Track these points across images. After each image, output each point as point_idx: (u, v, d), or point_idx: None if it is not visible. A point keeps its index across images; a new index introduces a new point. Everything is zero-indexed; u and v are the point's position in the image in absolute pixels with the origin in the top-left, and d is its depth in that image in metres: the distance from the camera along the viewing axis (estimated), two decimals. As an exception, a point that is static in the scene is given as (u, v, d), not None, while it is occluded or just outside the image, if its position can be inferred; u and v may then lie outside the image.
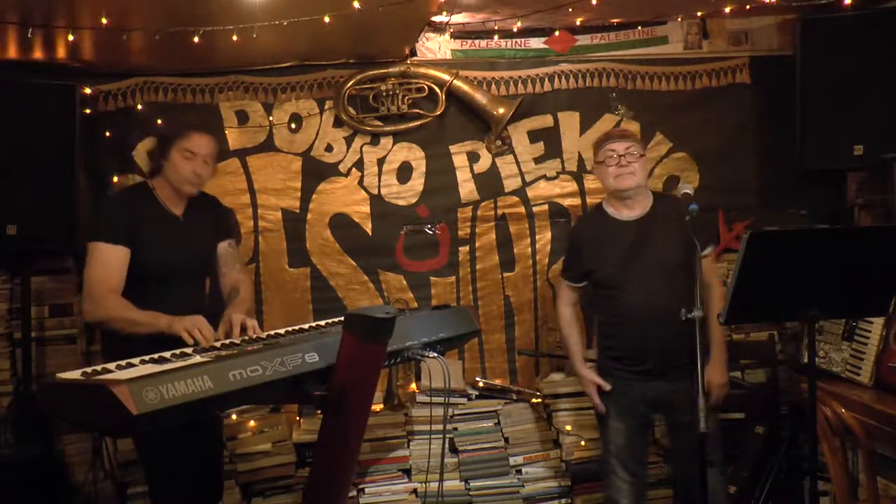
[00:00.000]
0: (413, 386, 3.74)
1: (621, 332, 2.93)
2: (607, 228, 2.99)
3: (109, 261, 2.67)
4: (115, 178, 3.75)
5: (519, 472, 3.62)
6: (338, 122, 3.89)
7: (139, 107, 3.76)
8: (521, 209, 3.98)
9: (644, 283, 2.84)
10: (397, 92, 3.82)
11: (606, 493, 3.02)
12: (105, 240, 2.69)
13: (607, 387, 2.98)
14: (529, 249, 4.00)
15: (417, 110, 3.86)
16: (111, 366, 2.02)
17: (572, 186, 3.98)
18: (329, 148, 3.91)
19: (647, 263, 2.86)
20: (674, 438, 3.05)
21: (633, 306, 2.85)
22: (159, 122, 3.68)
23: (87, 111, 3.67)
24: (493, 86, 3.92)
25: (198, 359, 2.06)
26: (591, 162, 3.92)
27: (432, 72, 3.85)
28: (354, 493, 3.49)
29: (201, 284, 2.98)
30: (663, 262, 2.85)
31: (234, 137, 3.86)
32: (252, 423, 3.55)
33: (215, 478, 3.01)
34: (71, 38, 3.11)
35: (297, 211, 3.91)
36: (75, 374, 1.95)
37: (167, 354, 2.14)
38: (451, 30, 3.83)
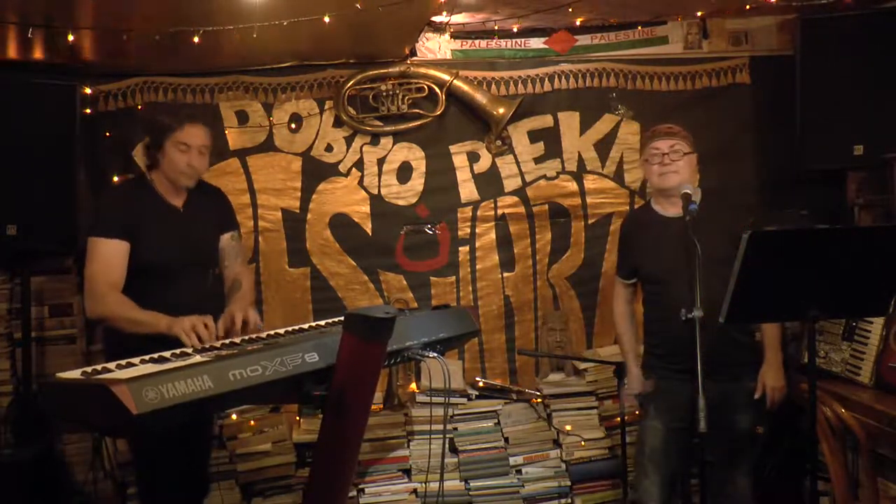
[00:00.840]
0: (413, 386, 3.74)
1: (664, 330, 2.88)
2: (652, 225, 2.97)
3: (109, 256, 2.66)
4: (116, 178, 3.74)
5: (519, 472, 3.62)
6: (338, 122, 3.89)
7: (139, 107, 3.76)
8: (521, 209, 3.98)
9: (687, 280, 2.76)
10: (397, 92, 3.82)
11: (633, 496, 2.99)
12: (104, 234, 2.68)
13: (647, 388, 2.95)
14: (529, 249, 4.00)
15: (417, 110, 3.86)
16: (111, 365, 2.02)
17: (572, 186, 3.98)
18: (329, 148, 3.91)
19: (693, 260, 2.79)
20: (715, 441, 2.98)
21: (675, 303, 2.73)
22: (158, 117, 3.68)
23: (87, 111, 3.67)
24: (493, 86, 3.92)
25: (198, 358, 2.06)
26: (594, 162, 3.96)
27: (432, 72, 3.85)
28: (354, 493, 3.49)
29: (205, 276, 2.95)
30: (707, 260, 2.76)
31: (234, 137, 3.86)
32: (252, 423, 3.55)
33: (203, 477, 3.01)
34: (71, 38, 3.11)
35: (297, 211, 3.91)
36: (75, 374, 1.95)
37: (167, 354, 2.14)
38: (451, 30, 3.83)
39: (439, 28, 3.81)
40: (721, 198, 3.01)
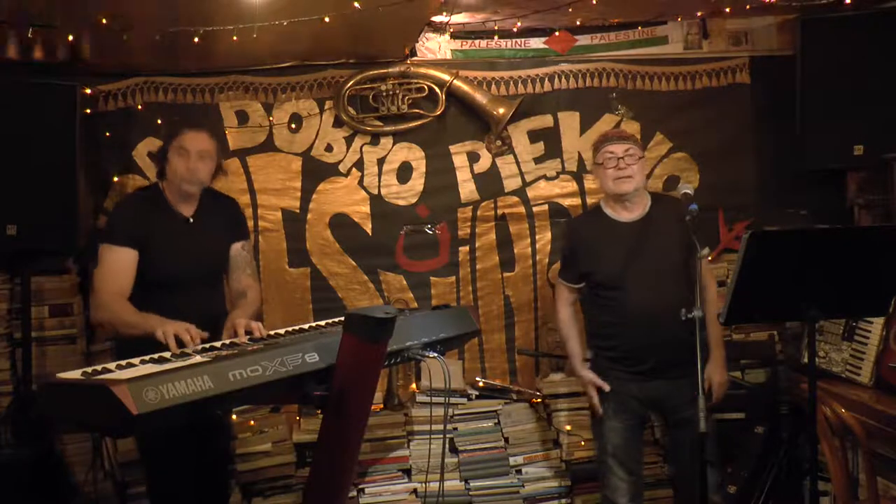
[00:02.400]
0: (413, 386, 3.74)
1: (621, 333, 2.91)
2: (605, 230, 2.98)
3: (116, 264, 2.68)
4: (116, 178, 3.75)
5: (519, 472, 3.62)
6: (338, 122, 3.89)
7: (139, 107, 3.76)
8: (521, 209, 3.98)
9: (644, 285, 2.83)
10: (397, 92, 3.82)
11: (604, 493, 3.02)
12: (113, 242, 2.71)
13: (606, 388, 2.98)
14: (529, 249, 4.00)
15: (417, 110, 3.86)
16: (111, 365, 2.03)
17: (572, 186, 3.98)
18: (329, 148, 3.91)
19: (646, 264, 2.86)
20: (673, 437, 3.05)
21: (633, 307, 2.84)
22: (159, 121, 3.69)
23: (88, 111, 3.67)
24: (493, 86, 3.92)
25: (198, 359, 2.06)
26: (590, 163, 3.96)
27: (432, 72, 3.85)
28: (354, 493, 3.49)
29: (216, 287, 2.96)
30: (663, 263, 2.84)
31: (234, 137, 3.86)
32: (252, 423, 3.55)
33: (221, 485, 3.00)
34: (71, 38, 3.11)
35: (297, 211, 3.91)
36: (75, 374, 1.96)
37: (167, 354, 2.14)
38: (451, 30, 3.83)
39: (439, 28, 3.81)
40: (672, 201, 3.01)
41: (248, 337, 2.47)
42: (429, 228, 3.95)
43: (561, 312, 3.18)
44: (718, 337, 2.97)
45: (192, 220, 2.86)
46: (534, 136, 3.96)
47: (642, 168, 2.96)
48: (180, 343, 2.33)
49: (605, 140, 2.99)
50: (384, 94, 3.82)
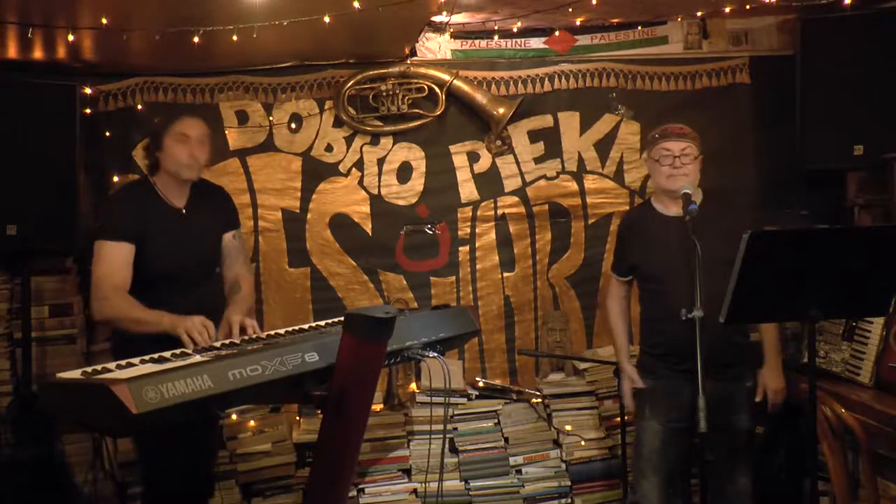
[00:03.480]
0: (413, 386, 3.74)
1: (664, 329, 2.85)
2: (654, 224, 2.93)
3: (114, 258, 2.67)
4: (116, 178, 3.75)
5: (519, 472, 3.62)
6: (338, 122, 3.89)
7: (139, 107, 3.77)
8: (521, 209, 3.98)
9: (689, 280, 2.76)
10: (397, 92, 3.82)
11: (632, 498, 2.97)
12: (109, 237, 2.69)
13: (640, 384, 2.94)
14: (529, 249, 4.00)
15: (417, 110, 3.86)
16: (111, 365, 2.03)
17: (572, 186, 3.98)
18: (329, 148, 3.91)
19: (692, 261, 2.79)
20: (712, 439, 2.96)
21: (676, 303, 2.68)
22: (156, 120, 3.68)
23: (88, 111, 3.67)
24: (493, 86, 3.92)
25: (198, 358, 2.06)
26: (594, 162, 3.96)
27: (432, 72, 3.85)
28: (354, 493, 3.49)
29: (211, 278, 2.96)
30: (708, 260, 2.75)
31: (234, 137, 3.86)
32: (252, 423, 3.55)
33: (207, 478, 3.01)
34: (71, 38, 3.11)
35: (297, 211, 3.91)
36: (75, 374, 1.96)
37: (167, 354, 2.14)
38: (451, 30, 3.83)
39: (439, 28, 3.81)
40: (723, 198, 2.99)
41: (242, 336, 2.48)
42: (429, 228, 3.95)
43: (610, 305, 3.14)
44: (773, 340, 2.92)
45: (185, 211, 2.86)
46: (534, 136, 3.96)
47: (697, 167, 2.88)
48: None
49: (663, 136, 2.89)
50: (384, 94, 3.82)
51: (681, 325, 2.59)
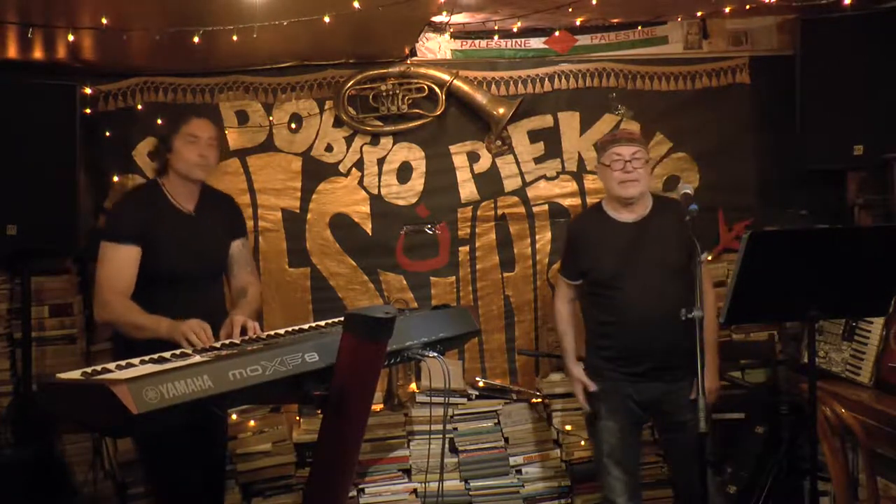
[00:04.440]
0: (413, 386, 3.74)
1: (617, 333, 2.91)
2: (606, 229, 2.98)
3: (119, 261, 2.68)
4: (116, 178, 3.75)
5: (519, 472, 3.62)
6: (338, 122, 3.89)
7: (139, 107, 3.76)
8: (521, 209, 3.98)
9: (642, 285, 2.83)
10: (397, 92, 3.82)
11: (602, 493, 3.01)
12: (115, 239, 2.70)
13: (592, 387, 2.98)
14: (529, 249, 4.00)
15: (417, 110, 3.86)
16: (111, 366, 2.03)
17: (572, 186, 3.98)
18: (329, 148, 3.91)
19: (645, 265, 2.85)
20: (670, 440, 3.04)
21: (630, 307, 2.84)
22: (159, 121, 3.68)
23: (87, 111, 3.67)
24: (493, 86, 3.92)
25: (198, 358, 2.06)
26: (594, 162, 3.95)
27: (432, 72, 3.85)
28: (354, 493, 3.49)
29: (217, 283, 2.97)
30: (662, 264, 2.84)
31: (234, 137, 3.86)
32: (252, 423, 3.55)
33: (217, 486, 3.00)
34: (71, 38, 3.11)
35: (297, 211, 3.90)
36: (75, 374, 1.96)
37: (167, 354, 2.14)
38: (451, 30, 3.83)
39: (439, 28, 3.81)
40: (673, 202, 3.00)
41: (243, 336, 2.48)
42: (429, 228, 3.95)
43: (559, 308, 3.17)
44: (712, 342, 2.95)
45: (194, 214, 2.86)
46: (534, 136, 3.96)
47: (648, 172, 2.95)
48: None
49: (613, 141, 2.95)
50: (384, 94, 3.82)
51: (634, 329, 2.77)
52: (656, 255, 2.85)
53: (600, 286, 2.96)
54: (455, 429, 3.64)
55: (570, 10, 3.43)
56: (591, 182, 3.96)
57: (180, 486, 2.72)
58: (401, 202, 3.94)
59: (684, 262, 2.69)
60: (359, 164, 3.92)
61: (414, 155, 3.93)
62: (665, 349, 2.77)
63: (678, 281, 2.74)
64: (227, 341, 2.43)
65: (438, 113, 3.86)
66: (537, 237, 3.99)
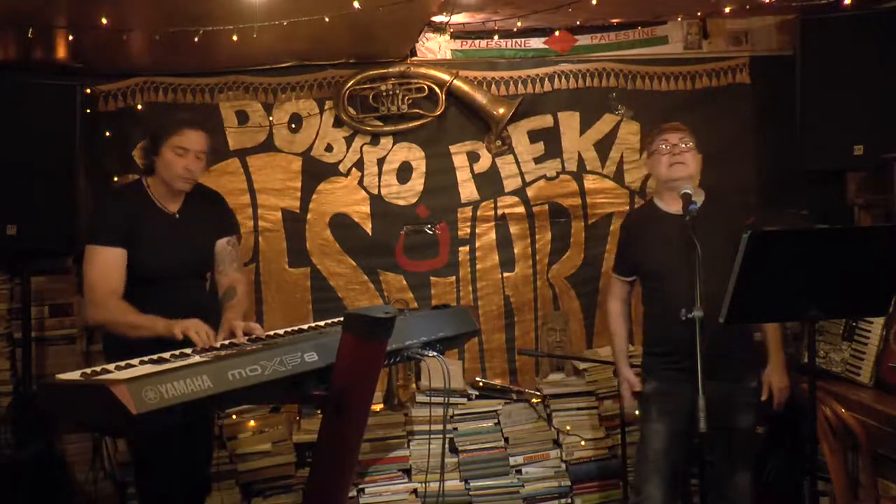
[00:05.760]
0: (413, 386, 3.74)
1: (666, 328, 2.82)
2: (657, 222, 2.93)
3: (107, 263, 2.67)
4: (115, 178, 3.74)
5: (519, 472, 3.62)
6: (338, 122, 3.89)
7: (139, 107, 3.76)
8: (521, 209, 3.98)
9: (690, 279, 2.66)
10: (397, 92, 3.82)
11: (634, 499, 2.94)
12: (102, 242, 2.68)
13: (638, 387, 2.94)
14: (529, 249, 4.00)
15: (417, 110, 3.86)
16: (111, 366, 2.03)
17: (572, 186, 3.98)
18: (329, 148, 3.91)
19: (693, 259, 2.77)
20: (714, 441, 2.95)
21: (678, 301, 2.65)
22: (154, 121, 3.68)
23: (87, 111, 3.66)
24: (493, 86, 3.92)
25: (197, 359, 2.06)
26: (594, 162, 3.96)
27: (432, 72, 3.85)
28: (354, 493, 3.49)
29: (201, 283, 2.97)
30: (711, 259, 2.73)
31: (234, 137, 3.86)
32: (252, 423, 3.55)
33: (204, 477, 3.01)
34: (71, 38, 3.11)
35: (297, 211, 3.91)
36: (75, 375, 1.96)
37: (166, 355, 2.14)
38: (451, 30, 3.83)
39: (439, 28, 3.81)
40: (724, 197, 2.99)
41: (247, 338, 2.48)
42: (429, 228, 3.95)
43: (611, 307, 3.11)
44: (776, 339, 2.91)
45: (178, 216, 2.85)
46: (534, 136, 3.96)
47: (696, 158, 2.92)
48: (190, 342, 2.35)
49: (661, 131, 2.96)
50: (384, 94, 3.82)
51: (682, 323, 2.57)
52: (706, 248, 2.73)
53: (652, 280, 2.92)
54: (455, 429, 3.64)
55: (570, 10, 3.43)
56: (591, 182, 3.96)
57: (167, 486, 2.72)
58: (401, 202, 3.94)
59: (732, 255, 2.56)
60: (359, 164, 3.92)
61: (414, 155, 3.93)
62: (716, 344, 2.57)
63: (727, 276, 2.62)
64: (226, 341, 2.43)
65: (438, 113, 3.86)
66: (537, 237, 3.99)
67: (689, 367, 2.60)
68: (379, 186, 3.93)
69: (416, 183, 3.94)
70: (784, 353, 2.94)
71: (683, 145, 2.88)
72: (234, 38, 3.14)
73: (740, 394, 2.81)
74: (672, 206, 2.91)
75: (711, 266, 2.59)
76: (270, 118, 3.87)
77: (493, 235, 3.99)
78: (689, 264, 2.64)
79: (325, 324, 2.65)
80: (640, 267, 2.97)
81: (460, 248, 3.97)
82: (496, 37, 3.86)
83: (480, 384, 3.74)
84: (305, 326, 2.62)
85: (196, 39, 3.13)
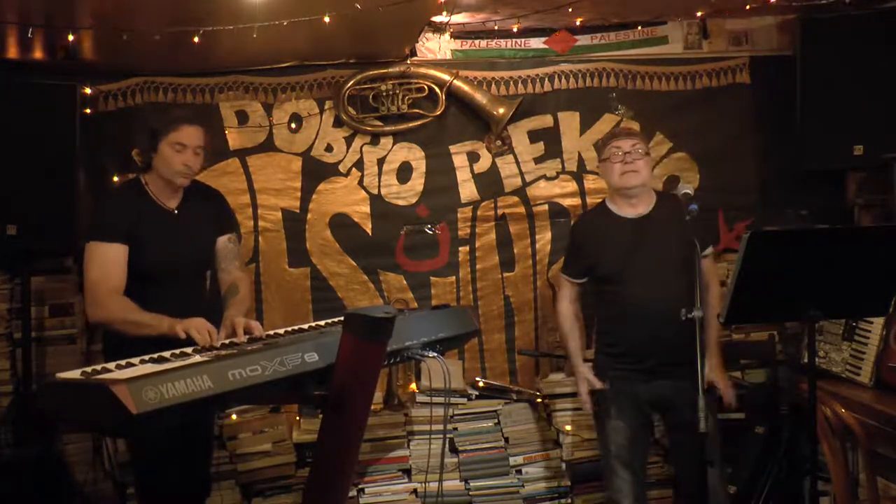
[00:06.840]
0: (413, 386, 3.74)
1: (621, 329, 2.91)
2: (610, 225, 2.98)
3: (108, 260, 2.66)
4: (116, 178, 3.74)
5: (519, 472, 3.62)
6: (338, 122, 3.89)
7: (139, 107, 3.76)
8: (521, 209, 3.98)
9: (645, 280, 2.83)
10: (397, 92, 3.82)
11: (607, 494, 3.01)
12: (101, 239, 2.68)
13: (598, 385, 2.98)
14: (529, 249, 4.00)
15: (417, 110, 3.86)
16: (111, 365, 2.02)
17: (572, 186, 3.98)
18: (329, 148, 3.91)
19: (648, 261, 2.85)
20: (674, 439, 3.04)
21: (633, 303, 2.84)
22: (152, 118, 3.68)
23: (87, 111, 3.67)
24: (493, 86, 3.92)
25: (197, 358, 2.06)
26: (594, 162, 3.96)
27: (432, 72, 3.85)
28: (354, 493, 3.49)
29: (201, 280, 2.96)
30: (665, 260, 2.83)
31: (234, 137, 3.86)
32: (252, 423, 3.55)
33: (204, 478, 3.01)
34: (71, 38, 3.11)
35: (297, 211, 3.91)
36: (75, 374, 1.95)
37: (167, 354, 2.14)
38: (451, 30, 3.83)
39: (439, 28, 3.81)
40: (670, 199, 3.00)
41: (247, 337, 2.47)
42: (429, 228, 3.95)
43: (562, 308, 3.15)
44: (715, 339, 2.96)
45: (177, 211, 2.84)
46: (534, 136, 3.96)
47: (648, 164, 2.97)
48: (193, 341, 2.35)
49: (612, 136, 3.02)
50: (384, 94, 3.82)
51: (638, 324, 2.75)
52: (658, 250, 2.85)
53: (605, 282, 2.96)
54: (455, 429, 3.63)
55: (570, 10, 3.44)
56: (591, 182, 3.96)
57: (166, 486, 2.72)
58: (401, 202, 3.94)
59: (686, 258, 2.68)
60: (359, 164, 3.92)
61: (414, 155, 3.93)
62: (671, 345, 2.74)
63: (681, 277, 2.73)
64: (226, 341, 2.43)
65: (438, 113, 3.86)
66: (537, 237, 3.99)
67: (642, 367, 2.84)
68: (379, 186, 3.93)
69: (416, 183, 3.94)
70: (720, 353, 2.97)
71: (635, 153, 2.91)
72: (234, 38, 3.13)
73: (690, 390, 2.82)
74: (626, 210, 2.98)
75: (666, 267, 2.67)
76: (270, 118, 3.87)
77: (493, 235, 3.99)
78: (642, 267, 2.81)
79: (326, 323, 2.65)
80: (594, 269, 3.00)
81: (460, 248, 3.97)
82: (496, 37, 3.87)
83: (480, 384, 3.74)
84: (306, 326, 2.62)
85: (196, 39, 3.13)
